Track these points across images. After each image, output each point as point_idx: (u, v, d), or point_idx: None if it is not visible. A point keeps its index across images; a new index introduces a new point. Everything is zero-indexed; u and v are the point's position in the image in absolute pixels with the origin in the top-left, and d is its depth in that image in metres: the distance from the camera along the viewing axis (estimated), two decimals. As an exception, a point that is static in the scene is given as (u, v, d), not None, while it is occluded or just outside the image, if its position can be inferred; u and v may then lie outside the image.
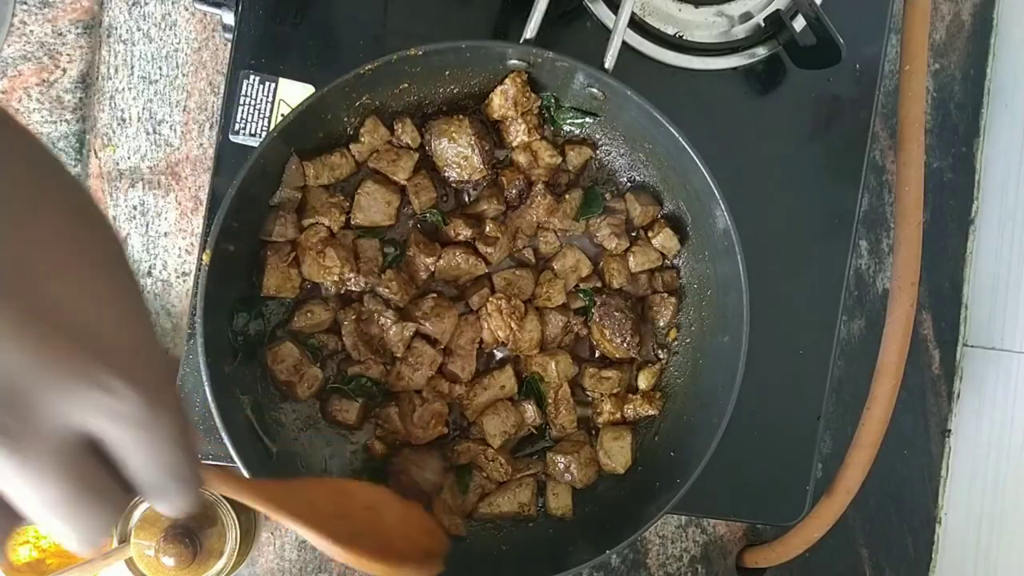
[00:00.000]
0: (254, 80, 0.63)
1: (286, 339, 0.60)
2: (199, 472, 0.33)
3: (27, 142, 0.30)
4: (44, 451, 0.27)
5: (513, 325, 0.61)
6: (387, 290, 0.61)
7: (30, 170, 0.30)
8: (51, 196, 0.30)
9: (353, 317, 0.61)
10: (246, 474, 0.54)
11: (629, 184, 0.65)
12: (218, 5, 0.63)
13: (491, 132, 0.63)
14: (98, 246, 0.31)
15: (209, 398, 0.54)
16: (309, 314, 0.61)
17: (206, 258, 0.54)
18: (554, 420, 0.64)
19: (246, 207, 0.56)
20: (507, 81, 0.59)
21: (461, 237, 0.62)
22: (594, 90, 0.58)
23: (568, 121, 0.62)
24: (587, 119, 0.62)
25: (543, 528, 0.64)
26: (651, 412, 0.63)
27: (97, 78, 0.73)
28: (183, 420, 0.31)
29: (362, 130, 0.60)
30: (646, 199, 0.63)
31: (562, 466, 0.62)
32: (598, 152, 0.64)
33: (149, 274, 0.75)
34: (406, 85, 0.59)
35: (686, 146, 0.55)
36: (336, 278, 0.60)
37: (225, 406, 0.55)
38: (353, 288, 0.61)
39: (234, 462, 0.54)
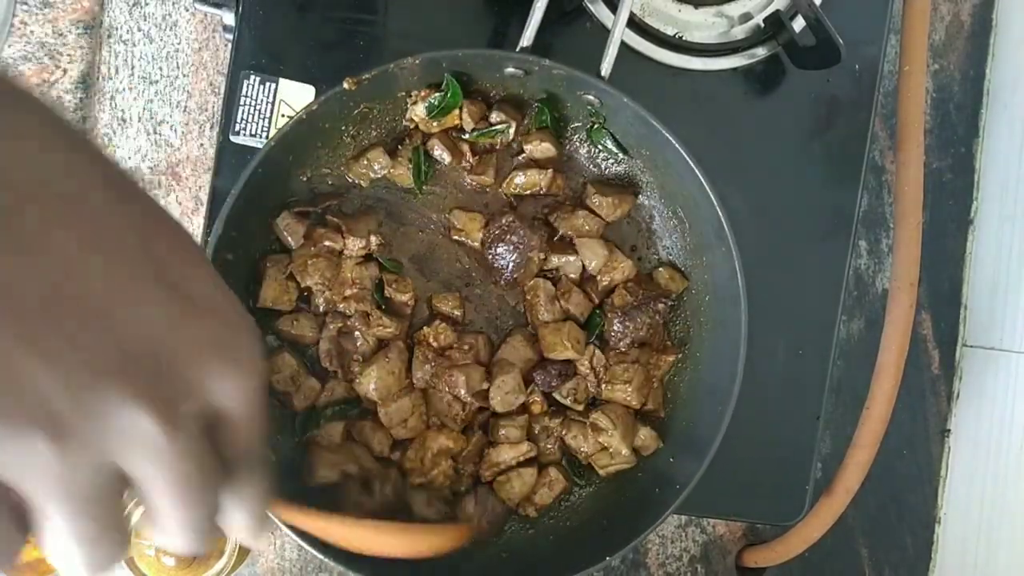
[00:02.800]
0: (254, 80, 0.63)
1: (284, 349, 0.61)
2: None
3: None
4: (197, 432, 0.26)
5: None
6: (380, 328, 0.61)
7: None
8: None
9: (339, 325, 0.61)
10: None
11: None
12: (219, 5, 0.64)
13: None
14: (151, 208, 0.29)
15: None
16: (295, 322, 0.61)
17: None
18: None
19: (245, 217, 0.56)
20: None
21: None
22: (590, 96, 0.58)
23: (603, 143, 0.62)
24: (620, 153, 0.62)
25: (543, 535, 0.64)
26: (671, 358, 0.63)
27: (97, 78, 0.73)
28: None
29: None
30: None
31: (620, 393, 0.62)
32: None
33: (149, 274, 0.75)
34: (403, 93, 0.59)
35: (683, 152, 0.55)
36: (327, 292, 0.60)
37: None
38: (344, 311, 0.61)
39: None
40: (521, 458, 0.62)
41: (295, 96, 0.64)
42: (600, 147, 0.63)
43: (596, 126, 0.61)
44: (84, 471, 0.25)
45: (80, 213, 0.26)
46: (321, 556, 0.54)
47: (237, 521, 0.31)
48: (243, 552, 0.71)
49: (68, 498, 0.25)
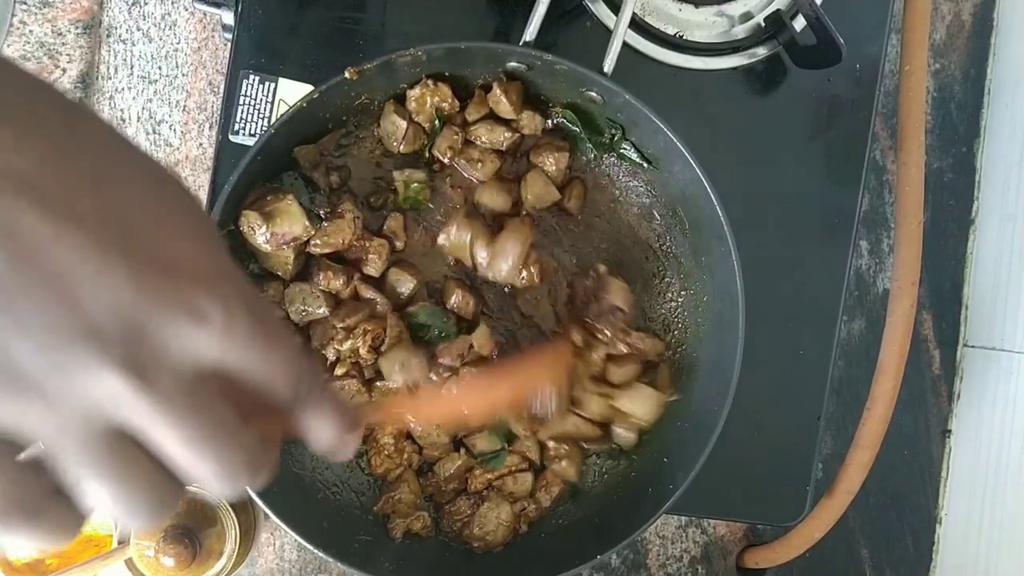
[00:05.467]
0: (254, 80, 0.63)
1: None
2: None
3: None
4: (177, 384, 0.26)
5: None
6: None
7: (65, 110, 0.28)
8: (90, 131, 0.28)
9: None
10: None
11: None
12: (218, 5, 0.63)
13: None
14: (154, 173, 0.29)
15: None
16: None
17: None
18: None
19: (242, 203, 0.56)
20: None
21: None
22: (592, 93, 0.58)
23: (623, 152, 0.62)
24: (644, 163, 0.62)
25: (537, 531, 0.64)
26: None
27: (97, 78, 0.73)
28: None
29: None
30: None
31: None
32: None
33: (149, 274, 0.75)
34: (404, 86, 0.59)
35: (684, 150, 0.55)
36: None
37: None
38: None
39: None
40: (514, 468, 0.63)
41: (295, 95, 0.64)
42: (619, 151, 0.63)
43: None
44: (78, 425, 0.26)
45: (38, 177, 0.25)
46: (322, 555, 0.54)
47: (319, 441, 0.32)
48: (243, 552, 0.71)
49: (76, 450, 0.26)
